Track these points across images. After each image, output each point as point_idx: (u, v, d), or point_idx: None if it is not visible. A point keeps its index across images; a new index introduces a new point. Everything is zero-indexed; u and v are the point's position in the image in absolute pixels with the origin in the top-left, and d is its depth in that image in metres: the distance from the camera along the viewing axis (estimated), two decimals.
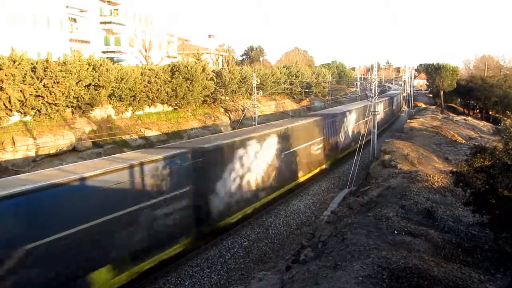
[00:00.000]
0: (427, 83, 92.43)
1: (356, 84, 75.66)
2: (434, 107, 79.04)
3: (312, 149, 28.27)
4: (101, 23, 52.85)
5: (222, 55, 75.69)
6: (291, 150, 25.66)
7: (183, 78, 38.88)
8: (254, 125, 35.43)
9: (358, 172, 28.98)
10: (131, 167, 14.39)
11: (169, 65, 40.22)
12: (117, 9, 54.43)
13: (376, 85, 35.97)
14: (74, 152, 28.29)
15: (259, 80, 47.33)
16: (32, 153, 25.85)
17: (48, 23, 42.95)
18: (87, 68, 29.40)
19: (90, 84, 29.71)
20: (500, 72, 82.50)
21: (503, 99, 67.32)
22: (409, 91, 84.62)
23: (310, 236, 18.86)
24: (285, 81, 61.13)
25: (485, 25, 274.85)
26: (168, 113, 39.34)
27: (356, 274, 9.46)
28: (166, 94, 37.81)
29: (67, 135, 28.11)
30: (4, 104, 24.45)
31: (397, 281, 9.10)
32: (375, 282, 9.05)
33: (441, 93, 76.79)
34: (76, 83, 28.43)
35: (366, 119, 40.89)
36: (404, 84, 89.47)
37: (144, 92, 35.61)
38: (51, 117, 28.13)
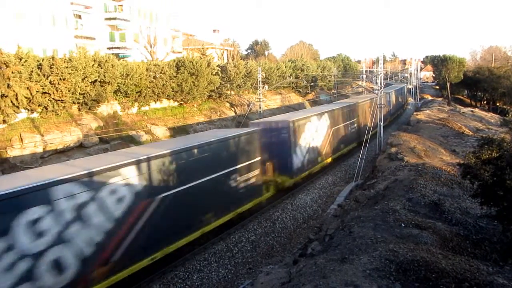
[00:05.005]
0: (434, 75, 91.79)
1: (362, 77, 75.39)
2: (441, 99, 78.63)
3: (241, 176, 19.86)
4: (106, 19, 52.89)
5: (227, 50, 75.63)
6: (192, 184, 16.66)
7: (188, 73, 38.88)
8: (258, 119, 34.87)
9: (364, 165, 28.92)
10: None
11: (174, 61, 40.22)
12: (121, 5, 54.44)
13: (382, 77, 35.79)
14: (81, 148, 28.46)
15: (264, 74, 47.28)
16: (39, 150, 26.03)
17: (53, 20, 43.08)
18: (93, 65, 29.49)
19: (96, 81, 29.81)
20: (507, 63, 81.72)
21: (510, 90, 66.76)
22: (415, 84, 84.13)
23: (317, 229, 18.89)
24: (290, 75, 60.97)
25: (492, 16, 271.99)
26: (174, 109, 39.41)
27: (363, 267, 9.46)
28: (171, 90, 37.85)
29: (74, 131, 28.26)
30: (12, 101, 24.59)
31: (405, 274, 9.09)
32: (382, 275, 9.05)
33: (448, 85, 76.30)
34: (82, 79, 28.54)
35: (351, 121, 35.37)
36: (410, 76, 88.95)
37: (149, 88, 35.67)
38: (58, 114, 28.29)
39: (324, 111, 30.32)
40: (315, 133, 27.77)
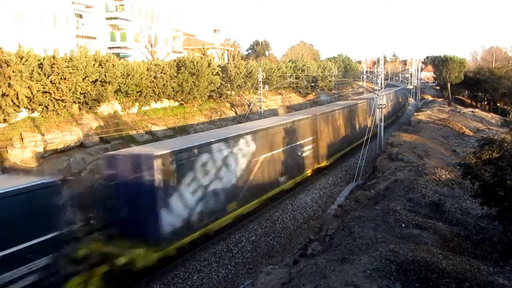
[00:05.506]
0: (434, 76, 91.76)
1: (363, 77, 75.43)
2: (441, 99, 78.63)
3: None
4: (107, 19, 52.90)
5: (228, 50, 75.60)
6: None
7: (189, 73, 38.88)
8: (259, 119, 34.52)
9: (365, 166, 28.91)
10: None
11: (174, 60, 40.23)
12: (122, 5, 54.43)
13: (383, 78, 35.79)
14: (81, 148, 28.46)
15: (264, 75, 47.29)
16: (40, 149, 26.04)
17: (54, 20, 43.08)
18: (94, 64, 29.48)
19: (96, 80, 29.80)
20: (508, 63, 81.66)
21: (511, 90, 66.69)
22: (416, 84, 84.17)
23: (318, 230, 18.90)
24: (291, 75, 60.96)
25: (492, 16, 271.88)
26: (174, 108, 39.41)
27: (364, 267, 9.45)
28: (172, 90, 37.85)
29: (75, 131, 28.26)
30: (12, 101, 24.59)
31: (405, 274, 9.09)
32: (383, 275, 9.04)
33: (448, 85, 76.23)
34: (83, 79, 28.53)
35: (298, 143, 25.57)
36: (411, 77, 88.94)
37: (150, 88, 35.67)
38: (58, 113, 28.29)
39: (245, 132, 20.75)
40: (222, 167, 18.70)
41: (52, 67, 26.78)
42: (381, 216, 13.71)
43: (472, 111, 58.04)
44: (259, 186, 21.45)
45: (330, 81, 74.11)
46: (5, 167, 23.00)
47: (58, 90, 27.08)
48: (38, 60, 26.95)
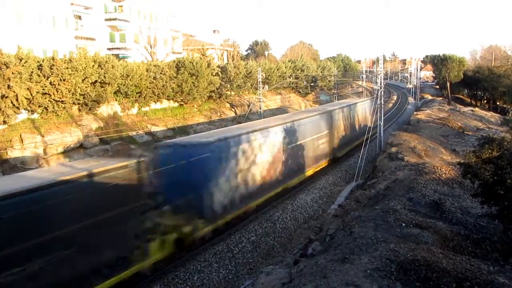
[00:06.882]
0: (434, 75, 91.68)
1: (362, 77, 75.47)
2: (441, 98, 78.47)
3: None
4: (106, 20, 52.90)
5: (227, 50, 75.61)
6: None
7: (188, 74, 38.89)
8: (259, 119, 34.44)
9: (365, 165, 28.89)
10: None
11: (174, 61, 40.25)
12: (121, 6, 54.43)
13: (382, 77, 35.77)
14: (81, 149, 28.47)
15: (264, 75, 47.33)
16: (40, 151, 26.04)
17: (53, 21, 43.05)
18: (93, 65, 29.50)
19: (96, 81, 29.81)
20: (507, 62, 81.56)
21: (510, 89, 66.67)
22: (415, 83, 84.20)
23: (318, 230, 18.88)
24: (290, 75, 60.97)
25: (492, 15, 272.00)
26: (174, 109, 39.42)
27: (364, 267, 9.44)
28: (171, 90, 37.87)
29: (74, 132, 28.28)
30: (12, 102, 24.61)
31: (406, 273, 9.08)
32: (383, 275, 9.03)
33: (448, 84, 76.13)
34: (82, 80, 28.55)
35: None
36: (410, 76, 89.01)
37: (149, 88, 35.68)
38: (58, 115, 28.30)
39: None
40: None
41: (51, 69, 26.80)
42: (381, 216, 13.69)
43: (472, 110, 58.00)
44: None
45: (329, 80, 74.15)
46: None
47: (57, 92, 27.10)
48: (38, 61, 26.97)
